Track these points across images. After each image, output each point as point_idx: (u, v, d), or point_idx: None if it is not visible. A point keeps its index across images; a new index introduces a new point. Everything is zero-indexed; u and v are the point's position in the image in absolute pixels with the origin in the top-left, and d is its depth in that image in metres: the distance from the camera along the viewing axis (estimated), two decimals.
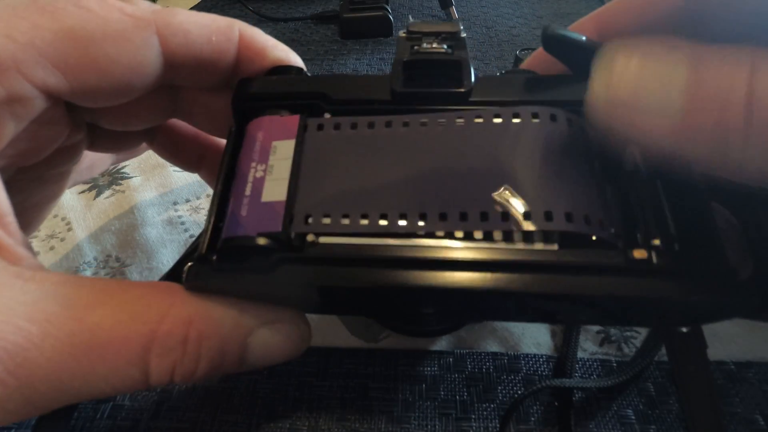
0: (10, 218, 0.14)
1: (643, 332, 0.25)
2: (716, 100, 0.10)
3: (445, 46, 0.17)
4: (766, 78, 0.10)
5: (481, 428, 0.21)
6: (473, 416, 0.22)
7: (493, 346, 0.24)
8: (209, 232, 0.15)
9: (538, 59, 0.20)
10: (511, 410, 0.21)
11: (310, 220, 0.14)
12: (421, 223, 0.14)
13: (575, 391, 0.22)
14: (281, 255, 0.14)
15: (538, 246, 0.14)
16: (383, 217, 0.14)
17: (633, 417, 0.22)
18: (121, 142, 0.22)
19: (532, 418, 0.22)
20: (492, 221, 0.14)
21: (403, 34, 0.18)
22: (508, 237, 0.14)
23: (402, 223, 0.14)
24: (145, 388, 0.14)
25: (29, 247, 0.15)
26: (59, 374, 0.13)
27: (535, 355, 0.24)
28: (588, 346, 0.24)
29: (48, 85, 0.14)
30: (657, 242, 0.13)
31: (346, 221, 0.14)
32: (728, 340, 0.24)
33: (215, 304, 0.15)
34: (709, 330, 0.24)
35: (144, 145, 0.25)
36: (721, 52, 0.11)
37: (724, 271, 0.13)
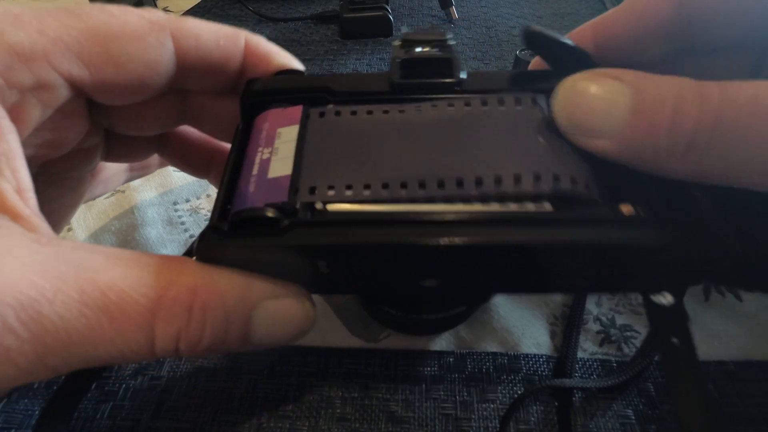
0: (30, 194, 0.15)
1: (643, 332, 0.25)
2: (651, 117, 0.13)
3: (436, 50, 0.19)
4: (689, 96, 0.13)
5: (481, 428, 0.21)
6: (473, 416, 0.22)
7: (493, 346, 0.24)
8: (219, 207, 0.16)
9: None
10: (511, 410, 0.21)
11: (315, 191, 0.15)
12: (420, 191, 0.15)
13: (575, 391, 0.22)
14: (292, 219, 0.15)
15: (537, 206, 0.15)
16: (385, 186, 0.15)
17: (633, 417, 0.22)
18: (135, 151, 0.24)
19: (532, 418, 0.22)
20: (485, 186, 0.15)
21: (398, 43, 0.19)
22: (502, 201, 0.15)
23: (403, 191, 0.15)
24: (151, 357, 0.15)
25: (46, 223, 0.16)
26: (69, 332, 0.13)
27: (535, 355, 0.24)
28: (588, 346, 0.24)
29: (72, 76, 0.16)
30: (642, 204, 0.15)
31: (349, 192, 0.15)
32: (728, 340, 0.24)
33: (221, 275, 0.15)
34: (710, 330, 0.24)
35: (157, 162, 0.26)
36: (653, 78, 0.14)
37: (707, 224, 0.14)
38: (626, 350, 0.24)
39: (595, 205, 0.15)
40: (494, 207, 0.15)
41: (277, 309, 0.16)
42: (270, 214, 0.14)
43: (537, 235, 0.14)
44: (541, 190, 0.14)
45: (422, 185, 0.15)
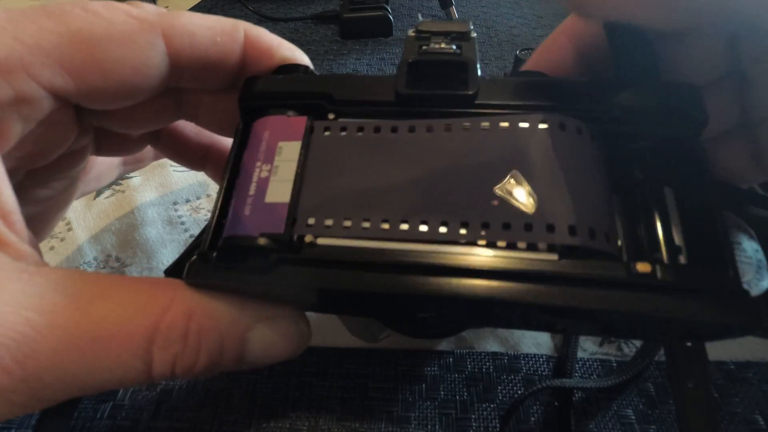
0: (16, 216, 0.14)
1: None
2: None
3: (453, 47, 0.17)
4: None
5: (481, 428, 0.21)
6: (473, 416, 0.22)
7: (493, 346, 0.24)
8: (212, 230, 0.15)
9: (543, 57, 0.20)
10: (511, 410, 0.21)
11: (312, 222, 0.14)
12: (422, 228, 0.14)
13: (575, 391, 0.22)
14: (280, 255, 0.14)
15: (541, 255, 0.13)
16: (385, 221, 0.14)
17: (633, 417, 0.22)
18: (127, 145, 0.23)
19: (532, 418, 0.22)
20: (492, 231, 0.13)
21: (412, 33, 0.17)
22: (510, 247, 0.14)
23: (404, 227, 0.14)
24: (147, 381, 0.14)
25: (35, 246, 0.15)
26: (65, 365, 0.13)
27: (535, 355, 0.24)
28: (588, 346, 0.24)
29: (55, 86, 0.15)
30: (662, 255, 0.13)
31: (347, 223, 0.14)
32: (728, 340, 0.24)
33: (215, 299, 0.15)
34: None
35: (151, 155, 0.25)
36: None
37: (732, 289, 0.12)
38: (626, 350, 0.24)
39: (609, 258, 0.13)
40: (500, 250, 0.13)
41: (271, 331, 0.16)
42: (262, 243, 0.14)
43: (537, 294, 0.13)
44: (553, 242, 0.13)
45: (425, 223, 0.14)
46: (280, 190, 0.15)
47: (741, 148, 0.17)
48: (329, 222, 0.14)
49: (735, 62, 0.16)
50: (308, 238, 0.14)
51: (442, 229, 0.14)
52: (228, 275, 0.14)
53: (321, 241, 0.14)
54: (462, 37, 0.17)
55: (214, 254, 0.14)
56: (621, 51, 0.16)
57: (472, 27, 0.17)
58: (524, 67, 0.19)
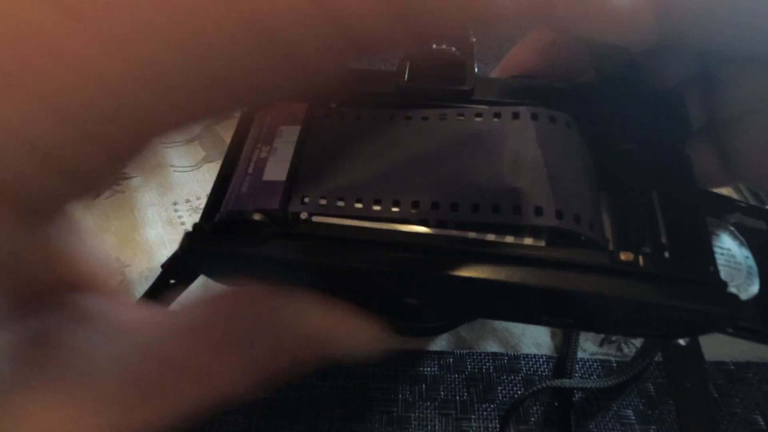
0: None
1: None
2: None
3: (453, 48, 0.18)
4: None
5: (481, 428, 0.21)
6: (473, 416, 0.22)
7: (493, 346, 0.24)
8: (209, 204, 0.16)
9: (509, 65, 0.20)
10: (511, 410, 0.21)
11: (306, 200, 0.15)
12: (413, 211, 0.14)
13: (575, 391, 0.22)
14: (272, 230, 0.14)
15: (527, 241, 0.14)
16: (377, 202, 0.15)
17: (633, 417, 0.22)
18: None
19: (532, 419, 0.22)
20: (482, 212, 0.14)
21: None
22: (498, 231, 0.14)
23: (395, 209, 0.15)
24: None
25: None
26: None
27: (535, 355, 0.24)
28: (588, 346, 0.24)
29: None
30: (647, 249, 0.14)
31: (340, 203, 0.15)
32: (728, 340, 0.24)
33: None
34: None
35: None
36: None
37: (712, 281, 0.13)
38: (626, 350, 0.24)
39: (594, 247, 0.14)
40: (488, 235, 0.14)
41: None
42: (256, 218, 0.14)
43: (521, 275, 0.13)
44: (539, 225, 0.14)
45: (415, 205, 0.14)
46: (277, 169, 0.16)
47: (710, 151, 0.18)
48: (323, 201, 0.15)
49: (702, 64, 0.17)
50: (303, 215, 0.15)
51: (432, 212, 0.14)
52: (222, 245, 0.15)
53: (316, 218, 0.15)
54: (462, 40, 0.18)
55: (208, 227, 0.15)
56: (600, 59, 0.17)
57: (471, 31, 0.18)
58: (493, 75, 0.20)
